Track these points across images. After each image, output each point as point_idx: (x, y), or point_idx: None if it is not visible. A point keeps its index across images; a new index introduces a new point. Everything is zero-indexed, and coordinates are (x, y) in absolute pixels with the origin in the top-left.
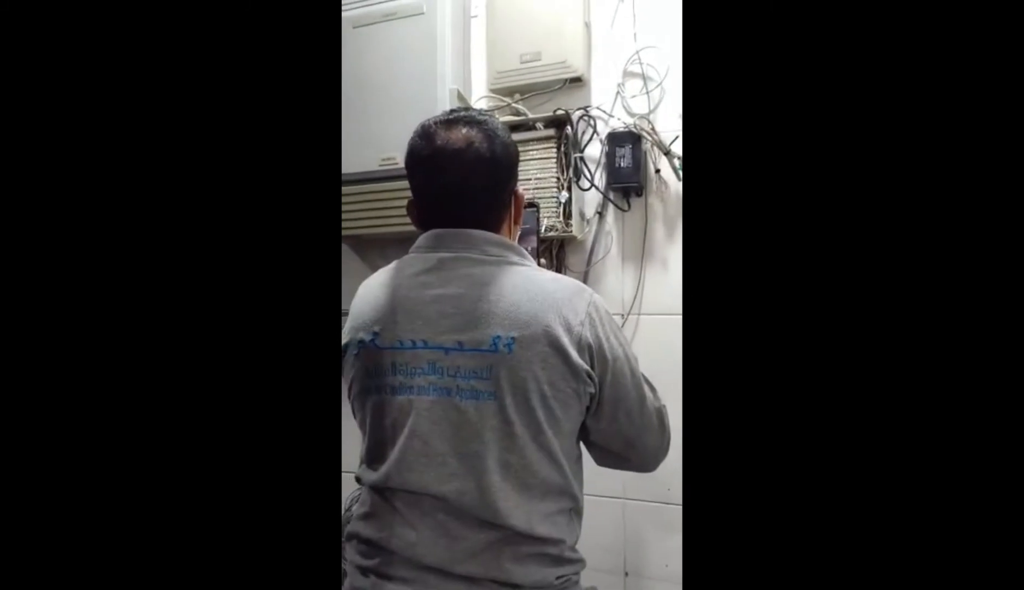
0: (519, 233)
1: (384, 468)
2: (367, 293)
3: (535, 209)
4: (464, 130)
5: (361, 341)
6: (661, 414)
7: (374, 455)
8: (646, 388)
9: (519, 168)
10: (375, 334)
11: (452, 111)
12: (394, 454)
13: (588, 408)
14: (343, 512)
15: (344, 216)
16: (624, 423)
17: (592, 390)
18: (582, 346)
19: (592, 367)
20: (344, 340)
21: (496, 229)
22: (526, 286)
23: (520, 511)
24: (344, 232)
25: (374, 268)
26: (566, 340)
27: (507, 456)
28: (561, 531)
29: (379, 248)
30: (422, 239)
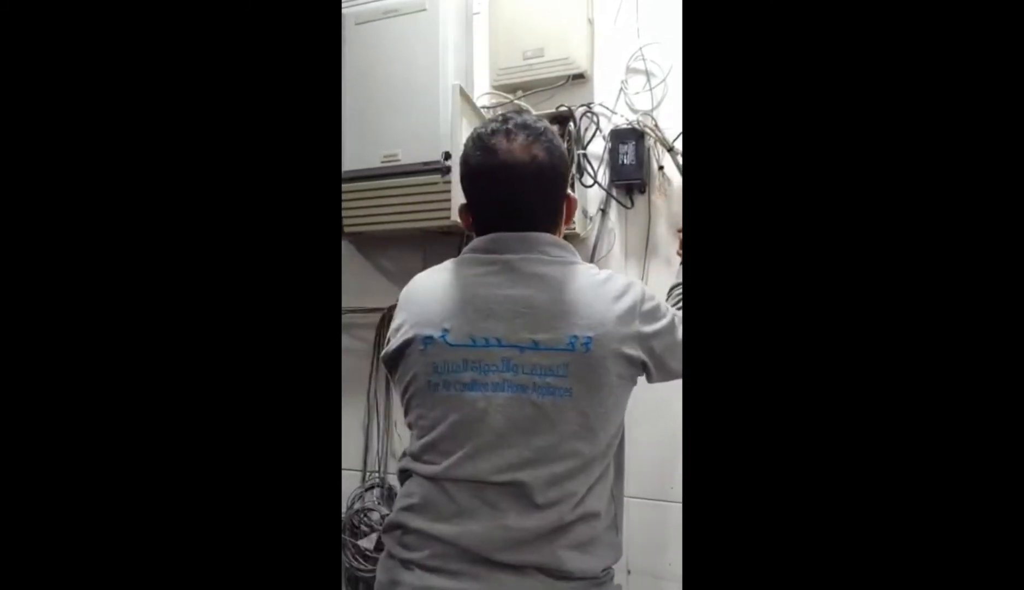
0: (565, 231)
1: (448, 462)
2: (426, 290)
3: None
4: (525, 142)
5: (429, 337)
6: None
7: (436, 449)
8: (680, 330)
9: None
10: (445, 331)
11: (507, 119)
12: (465, 449)
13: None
14: (344, 511)
15: (345, 213)
16: (675, 373)
17: (641, 371)
18: (640, 339)
19: (645, 356)
20: (405, 335)
21: (552, 232)
22: (592, 285)
23: (584, 497)
24: (345, 229)
25: (376, 265)
26: (629, 337)
27: (580, 445)
28: (603, 507)
29: (381, 245)
30: (480, 241)
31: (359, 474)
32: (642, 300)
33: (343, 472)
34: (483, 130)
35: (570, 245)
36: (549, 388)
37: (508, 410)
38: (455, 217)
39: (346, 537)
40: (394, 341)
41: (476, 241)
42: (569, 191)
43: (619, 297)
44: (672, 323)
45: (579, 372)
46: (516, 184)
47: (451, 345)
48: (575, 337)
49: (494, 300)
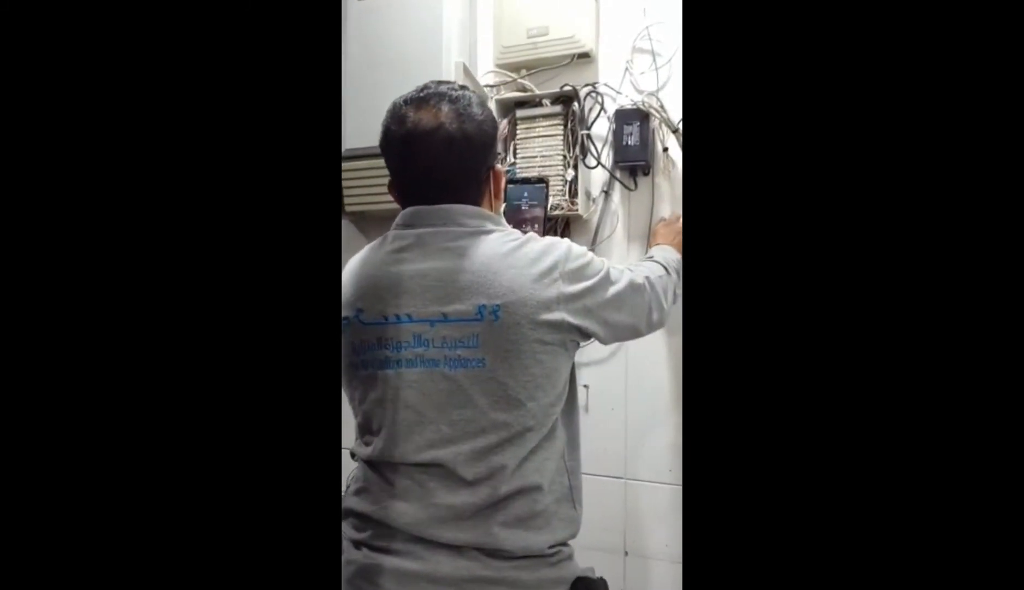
0: (501, 209)
1: (376, 442)
2: (348, 271)
3: (544, 184)
4: (435, 109)
5: (346, 319)
6: (644, 293)
7: (365, 429)
8: (626, 287)
9: (520, 145)
10: (359, 311)
11: (424, 87)
12: (386, 428)
13: (588, 337)
14: (344, 490)
15: (346, 192)
16: (624, 327)
17: (578, 337)
18: (563, 299)
19: (576, 318)
20: None
21: (475, 204)
22: (504, 252)
23: (516, 470)
24: (347, 208)
25: None
26: (548, 298)
27: (503, 417)
28: (550, 478)
29: (382, 224)
30: (401, 216)
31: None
32: (566, 258)
33: (343, 452)
34: (399, 99)
35: (494, 215)
36: (460, 360)
37: (421, 385)
38: None
39: None
40: None
41: (398, 216)
42: (498, 165)
43: (536, 259)
44: (606, 276)
45: (491, 341)
46: (425, 154)
47: (365, 324)
48: (483, 306)
49: (405, 276)
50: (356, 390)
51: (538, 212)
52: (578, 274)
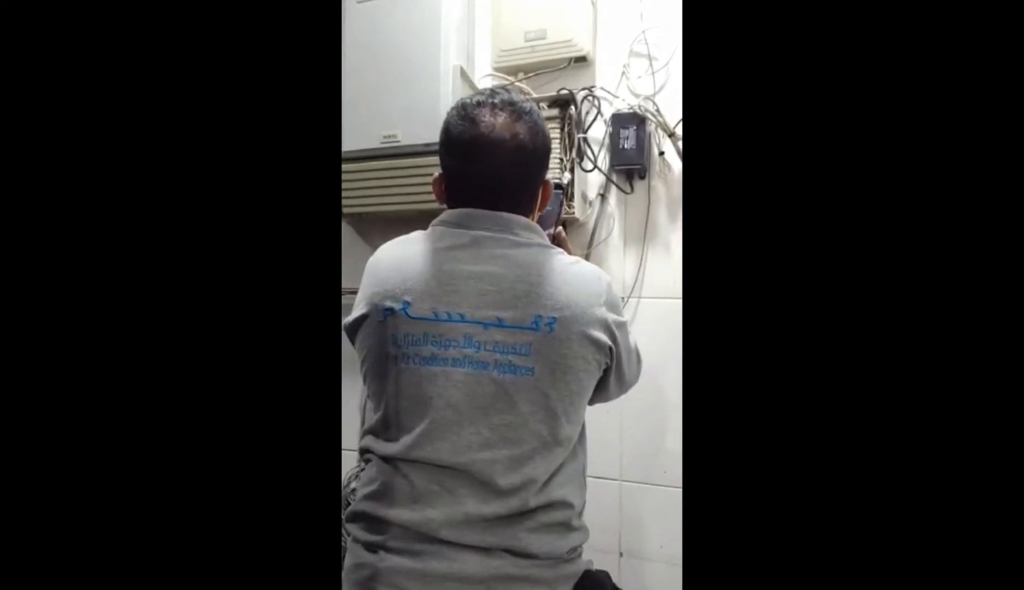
0: (538, 217)
1: (407, 439)
2: (390, 261)
3: (560, 190)
4: (509, 119)
5: (389, 309)
6: (639, 364)
7: (392, 425)
8: (635, 347)
9: None
10: (407, 303)
11: (494, 93)
12: (422, 425)
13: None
14: (346, 489)
15: (345, 194)
16: (622, 381)
17: (608, 361)
18: (605, 324)
19: (612, 341)
20: (363, 307)
21: (526, 215)
22: (561, 270)
23: (545, 484)
24: (344, 210)
25: (375, 247)
26: (594, 319)
27: (540, 427)
28: (573, 495)
29: (380, 227)
30: (451, 215)
31: (358, 454)
32: (608, 288)
33: (342, 452)
34: (468, 100)
35: (541, 230)
36: (511, 365)
37: (466, 386)
38: None
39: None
40: (355, 311)
41: (447, 213)
42: (547, 177)
43: (589, 281)
44: (627, 325)
45: (543, 352)
46: (494, 160)
47: (412, 318)
48: (539, 317)
49: (459, 275)
50: (387, 383)
51: (551, 218)
52: (615, 306)
